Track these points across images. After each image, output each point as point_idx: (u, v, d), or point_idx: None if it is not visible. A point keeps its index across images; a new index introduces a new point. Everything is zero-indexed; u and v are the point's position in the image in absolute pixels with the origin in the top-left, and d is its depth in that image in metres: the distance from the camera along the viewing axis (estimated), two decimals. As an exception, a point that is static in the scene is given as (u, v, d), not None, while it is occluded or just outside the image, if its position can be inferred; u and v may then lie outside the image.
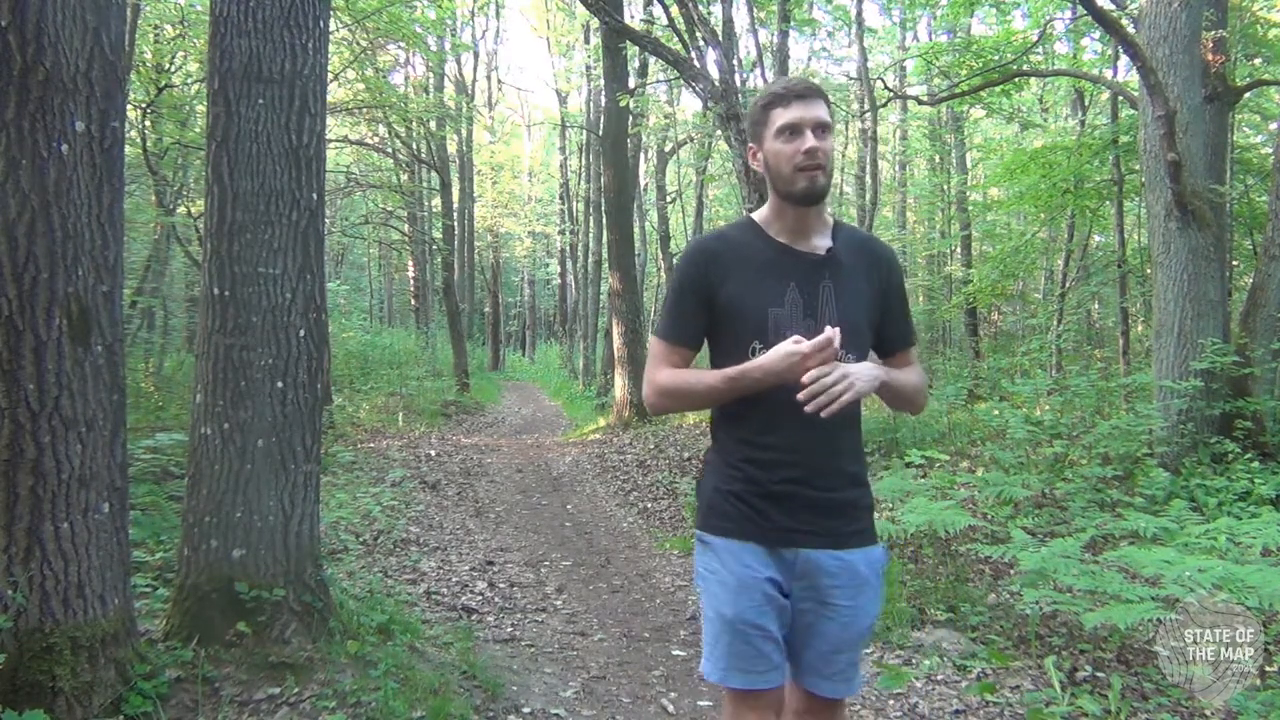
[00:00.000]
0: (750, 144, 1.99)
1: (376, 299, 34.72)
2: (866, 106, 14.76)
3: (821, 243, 1.95)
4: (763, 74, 13.17)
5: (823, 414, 1.76)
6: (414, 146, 17.65)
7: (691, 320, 1.95)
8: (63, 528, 2.63)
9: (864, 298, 1.95)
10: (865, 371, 1.83)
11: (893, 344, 2.05)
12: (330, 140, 10.63)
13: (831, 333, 1.76)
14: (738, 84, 9.63)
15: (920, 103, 15.25)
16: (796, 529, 1.88)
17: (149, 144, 9.78)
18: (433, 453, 10.47)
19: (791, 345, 1.78)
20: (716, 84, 8.69)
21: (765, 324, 1.87)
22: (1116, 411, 7.92)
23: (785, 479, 1.88)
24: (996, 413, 8.35)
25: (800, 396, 1.76)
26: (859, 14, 14.36)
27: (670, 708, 3.57)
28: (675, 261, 2.34)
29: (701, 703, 3.61)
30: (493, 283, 30.25)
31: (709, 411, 2.03)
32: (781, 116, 1.87)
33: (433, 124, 18.48)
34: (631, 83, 15.13)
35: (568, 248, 29.18)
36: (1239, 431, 6.40)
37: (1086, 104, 14.51)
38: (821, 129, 1.86)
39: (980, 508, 5.88)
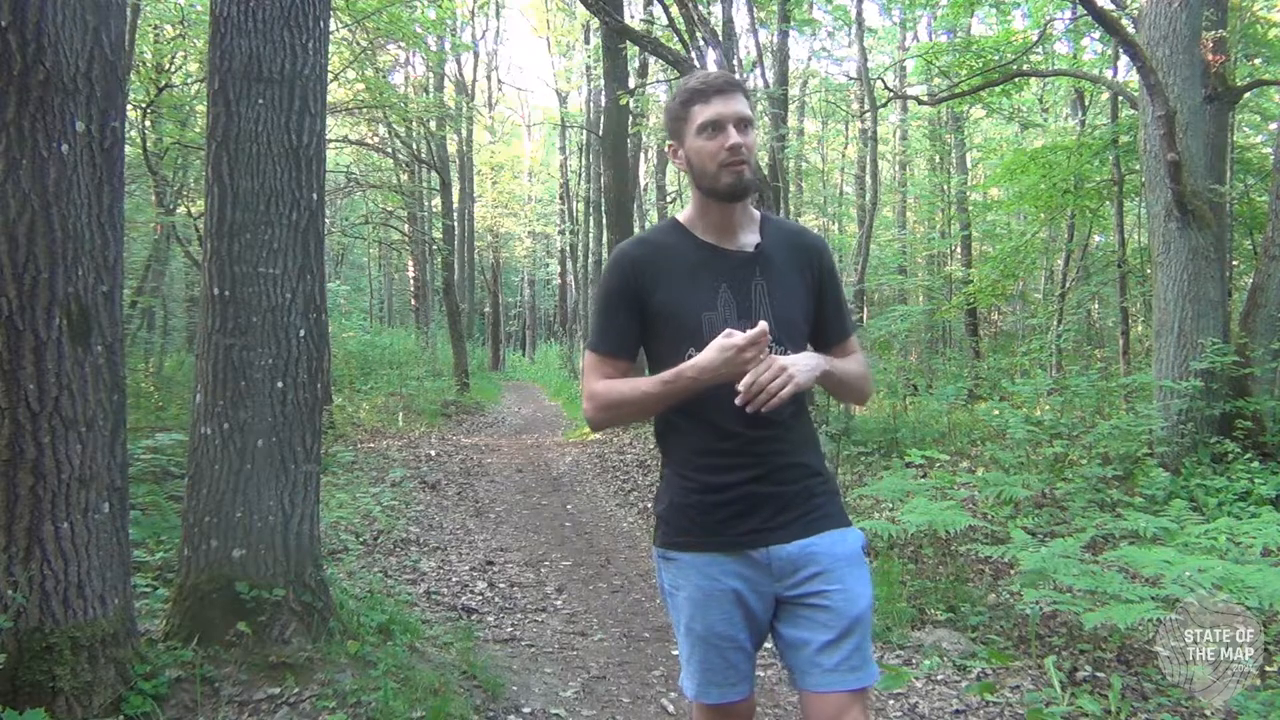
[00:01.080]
0: (670, 142, 1.93)
1: (376, 299, 34.74)
2: (866, 106, 14.76)
3: (750, 239, 1.91)
4: (763, 74, 13.17)
5: (764, 409, 1.72)
6: (414, 146, 17.64)
7: (623, 330, 1.90)
8: (63, 528, 2.63)
9: (798, 292, 1.92)
10: (805, 362, 1.80)
11: (831, 336, 2.00)
12: (330, 140, 10.63)
13: (765, 325, 1.72)
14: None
15: (920, 103, 15.25)
16: (759, 528, 1.84)
17: (149, 144, 9.78)
18: (433, 453, 10.47)
19: (725, 339, 1.72)
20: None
21: (700, 328, 1.82)
22: (1116, 411, 7.93)
23: (740, 480, 1.83)
24: (996, 413, 8.36)
25: (739, 399, 1.72)
26: (859, 14, 14.36)
27: (670, 708, 3.57)
28: (602, 271, 2.28)
29: (701, 703, 3.61)
30: (493, 283, 30.28)
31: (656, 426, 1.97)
32: (702, 113, 1.82)
33: (433, 124, 18.49)
34: (631, 83, 15.14)
35: (568, 248, 29.20)
36: (1239, 431, 6.41)
37: (1086, 104, 14.50)
38: (743, 124, 1.82)
39: (980, 508, 5.89)
